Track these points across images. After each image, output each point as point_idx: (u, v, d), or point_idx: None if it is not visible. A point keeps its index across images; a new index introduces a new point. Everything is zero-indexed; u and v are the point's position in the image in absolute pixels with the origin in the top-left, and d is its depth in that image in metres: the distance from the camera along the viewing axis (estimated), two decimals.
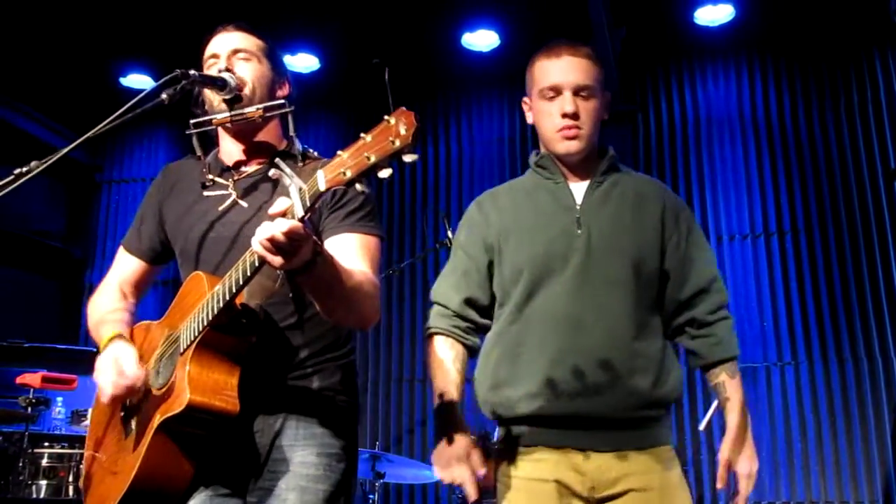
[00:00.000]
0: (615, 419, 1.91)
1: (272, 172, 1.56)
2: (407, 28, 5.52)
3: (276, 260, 1.53)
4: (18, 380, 3.98)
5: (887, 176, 5.25)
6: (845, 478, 4.95)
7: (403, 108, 1.40)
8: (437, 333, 2.08)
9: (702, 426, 4.12)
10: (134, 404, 1.93)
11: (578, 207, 2.01)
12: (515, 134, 6.12)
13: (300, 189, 1.50)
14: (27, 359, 4.60)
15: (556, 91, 2.00)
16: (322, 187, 1.45)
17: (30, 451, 3.96)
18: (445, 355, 2.04)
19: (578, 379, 1.89)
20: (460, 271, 2.10)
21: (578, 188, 2.05)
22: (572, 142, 2.00)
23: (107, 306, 2.09)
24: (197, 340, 1.71)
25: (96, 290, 2.16)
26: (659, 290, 2.02)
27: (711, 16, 5.33)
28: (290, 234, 1.49)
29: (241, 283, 1.63)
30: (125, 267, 2.17)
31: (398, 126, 1.38)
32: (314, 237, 1.59)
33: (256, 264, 1.59)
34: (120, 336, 1.95)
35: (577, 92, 1.99)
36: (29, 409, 3.96)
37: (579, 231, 1.97)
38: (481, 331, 2.11)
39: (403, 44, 5.65)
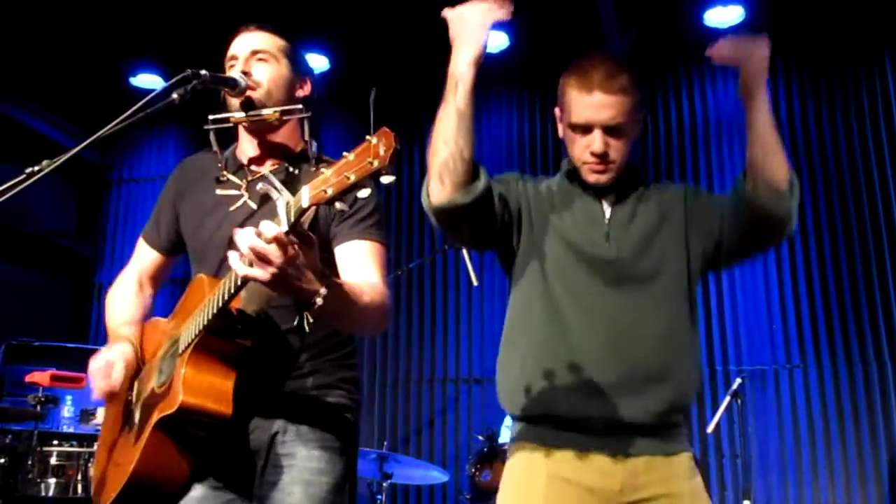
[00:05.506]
0: (647, 426, 1.88)
1: (259, 186, 1.58)
2: (415, 29, 5.51)
3: (260, 273, 1.52)
4: (28, 378, 4.01)
5: None
6: (854, 481, 4.93)
7: (385, 129, 1.43)
8: None
9: (710, 428, 4.11)
10: (139, 398, 1.97)
11: (607, 222, 2.01)
12: (525, 136, 6.10)
13: (287, 203, 1.53)
14: (36, 357, 4.62)
15: (587, 129, 1.96)
16: (305, 204, 1.49)
17: (39, 449, 3.99)
18: None
19: (613, 381, 1.87)
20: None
21: (607, 202, 2.05)
22: (601, 175, 1.99)
23: (124, 302, 2.16)
24: (193, 343, 1.77)
25: (117, 278, 2.22)
26: (701, 254, 1.99)
27: (721, 17, 5.31)
28: (274, 241, 1.50)
29: (232, 291, 1.67)
30: (144, 258, 2.23)
31: (378, 146, 1.42)
32: (326, 274, 1.62)
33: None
34: (126, 339, 2.03)
35: (607, 130, 1.94)
36: (38, 408, 3.99)
37: (607, 244, 1.97)
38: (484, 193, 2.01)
39: (412, 44, 5.65)
